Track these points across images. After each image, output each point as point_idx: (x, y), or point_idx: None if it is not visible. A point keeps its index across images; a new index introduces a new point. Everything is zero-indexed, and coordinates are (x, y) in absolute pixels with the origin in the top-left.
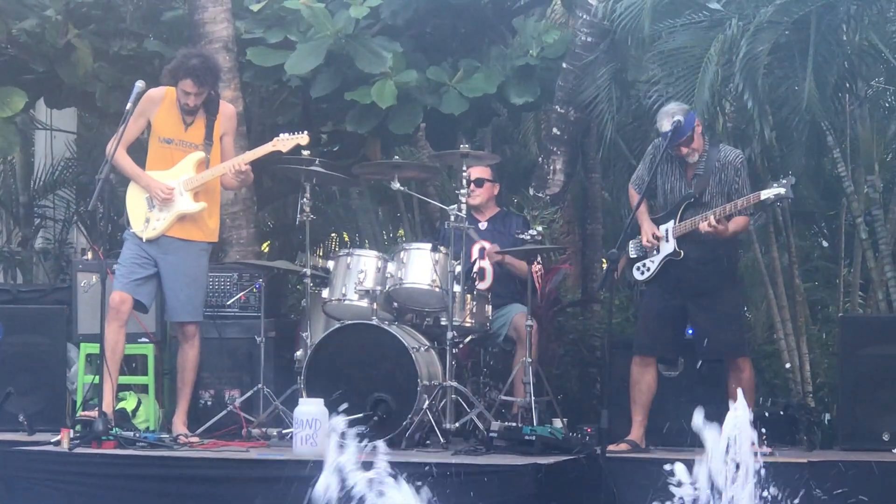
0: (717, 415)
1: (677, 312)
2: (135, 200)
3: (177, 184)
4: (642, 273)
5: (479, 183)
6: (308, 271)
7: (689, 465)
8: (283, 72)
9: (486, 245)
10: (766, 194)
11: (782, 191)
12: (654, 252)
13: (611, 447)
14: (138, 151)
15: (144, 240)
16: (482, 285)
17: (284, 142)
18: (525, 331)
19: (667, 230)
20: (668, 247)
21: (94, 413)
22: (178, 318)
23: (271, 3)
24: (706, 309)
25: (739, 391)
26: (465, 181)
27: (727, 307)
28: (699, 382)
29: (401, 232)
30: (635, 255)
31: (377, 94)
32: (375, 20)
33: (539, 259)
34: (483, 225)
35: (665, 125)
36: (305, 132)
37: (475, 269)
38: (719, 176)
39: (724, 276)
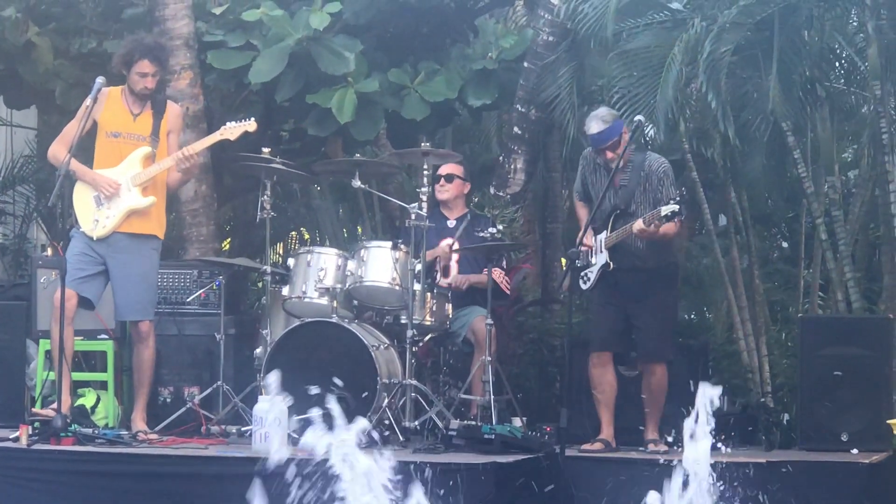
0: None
1: (622, 312)
2: (82, 199)
3: (125, 179)
4: (585, 283)
5: (450, 179)
6: (268, 268)
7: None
8: (244, 74)
9: (453, 244)
10: (664, 210)
11: (676, 207)
12: (593, 262)
13: (585, 446)
14: (83, 152)
15: (95, 238)
16: (446, 281)
17: (232, 130)
18: (484, 335)
19: (600, 241)
20: (602, 258)
21: (49, 412)
22: (127, 317)
23: (233, 8)
24: (638, 313)
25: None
26: (426, 178)
27: (655, 314)
28: None
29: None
30: (580, 265)
31: (336, 108)
32: (337, 19)
33: (504, 263)
34: (451, 223)
35: (593, 128)
36: (252, 119)
37: (441, 264)
38: (644, 185)
39: (659, 284)
